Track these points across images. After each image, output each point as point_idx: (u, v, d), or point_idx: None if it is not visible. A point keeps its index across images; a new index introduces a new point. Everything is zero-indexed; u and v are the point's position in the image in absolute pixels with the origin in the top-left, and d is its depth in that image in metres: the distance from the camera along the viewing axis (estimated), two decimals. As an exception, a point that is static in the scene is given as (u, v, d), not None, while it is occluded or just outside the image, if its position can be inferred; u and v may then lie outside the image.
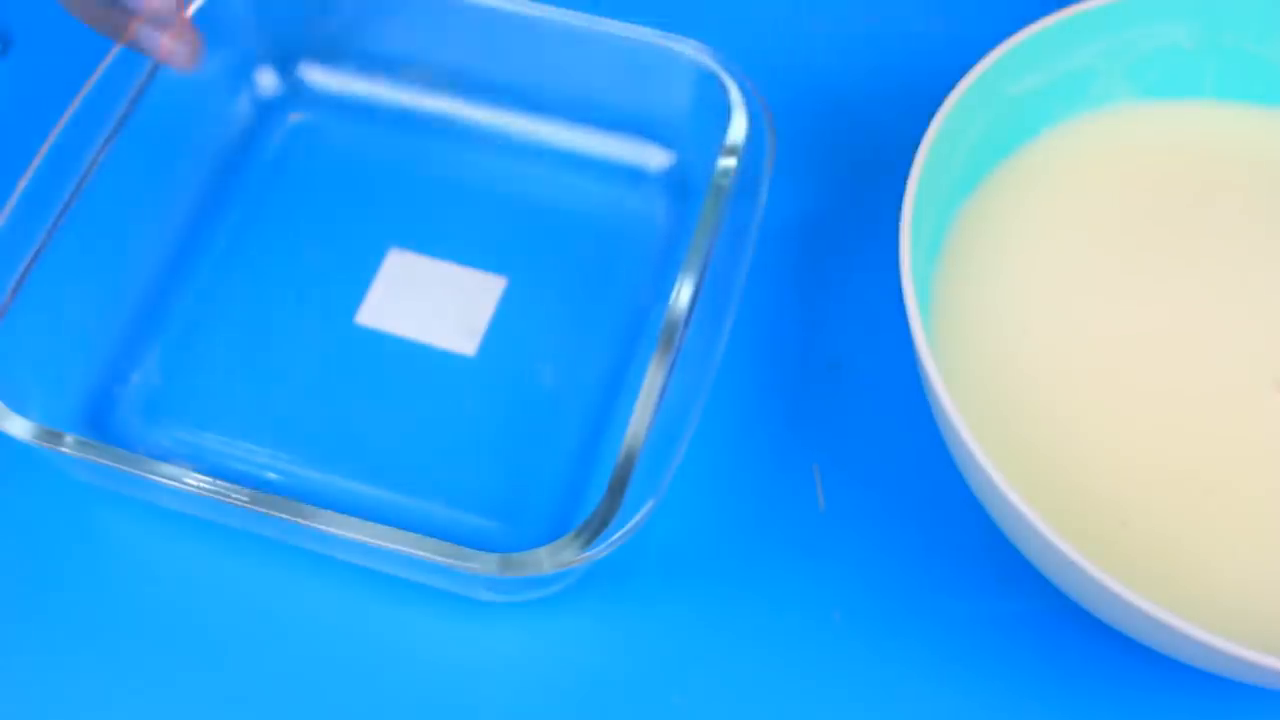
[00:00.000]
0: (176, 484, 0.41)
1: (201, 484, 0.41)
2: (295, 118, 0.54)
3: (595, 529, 0.40)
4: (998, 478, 0.37)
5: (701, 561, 0.46)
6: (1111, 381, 0.44)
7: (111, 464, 0.41)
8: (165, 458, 0.43)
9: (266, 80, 0.54)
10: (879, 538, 0.46)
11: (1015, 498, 0.37)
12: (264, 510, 0.41)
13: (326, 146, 0.54)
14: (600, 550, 0.39)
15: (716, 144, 0.48)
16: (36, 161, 0.46)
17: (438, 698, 0.43)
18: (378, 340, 0.49)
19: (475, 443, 0.47)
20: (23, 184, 0.45)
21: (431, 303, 0.50)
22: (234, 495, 0.41)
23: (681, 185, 0.52)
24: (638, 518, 0.40)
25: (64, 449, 0.42)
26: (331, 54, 0.54)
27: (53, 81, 0.55)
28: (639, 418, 0.42)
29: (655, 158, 0.53)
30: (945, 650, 0.44)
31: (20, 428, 0.42)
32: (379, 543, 0.40)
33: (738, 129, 0.48)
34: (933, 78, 0.47)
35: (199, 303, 0.50)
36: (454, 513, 0.46)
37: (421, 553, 0.40)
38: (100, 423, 0.47)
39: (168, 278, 0.50)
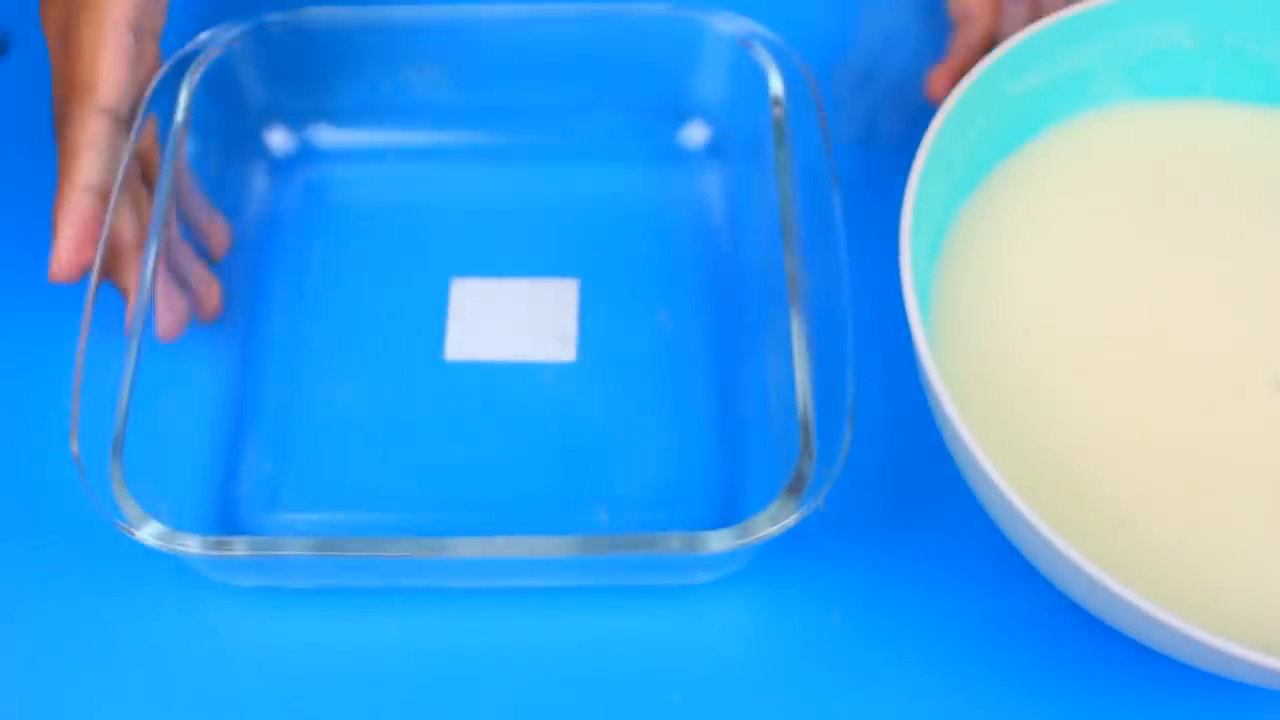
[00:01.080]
0: (347, 554, 0.40)
1: (372, 548, 0.40)
2: (311, 173, 0.53)
3: (797, 489, 0.40)
4: (997, 478, 0.37)
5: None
6: (1112, 381, 0.44)
7: (280, 554, 0.41)
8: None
9: (278, 139, 0.53)
10: (879, 538, 0.46)
11: (1015, 498, 0.37)
12: (457, 555, 0.40)
13: (351, 196, 0.53)
14: (813, 505, 0.40)
15: (750, 106, 0.48)
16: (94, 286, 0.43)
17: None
18: (475, 370, 0.48)
19: (606, 442, 0.47)
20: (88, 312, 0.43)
21: (514, 321, 0.49)
22: (418, 547, 0.40)
23: (723, 153, 0.53)
24: (837, 468, 0.40)
25: (234, 553, 0.40)
26: (341, 101, 0.53)
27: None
28: (801, 377, 0.42)
29: (691, 133, 0.53)
30: (945, 650, 0.44)
31: (194, 543, 0.40)
32: (607, 553, 0.40)
33: (776, 85, 0.48)
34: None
35: (283, 381, 0.48)
36: (613, 514, 0.46)
37: (658, 548, 0.40)
38: (230, 524, 0.46)
39: (241, 363, 0.49)
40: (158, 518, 0.40)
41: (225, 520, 0.46)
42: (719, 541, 0.40)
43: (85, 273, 0.44)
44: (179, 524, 0.41)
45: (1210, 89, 0.49)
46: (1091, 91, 0.49)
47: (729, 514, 0.46)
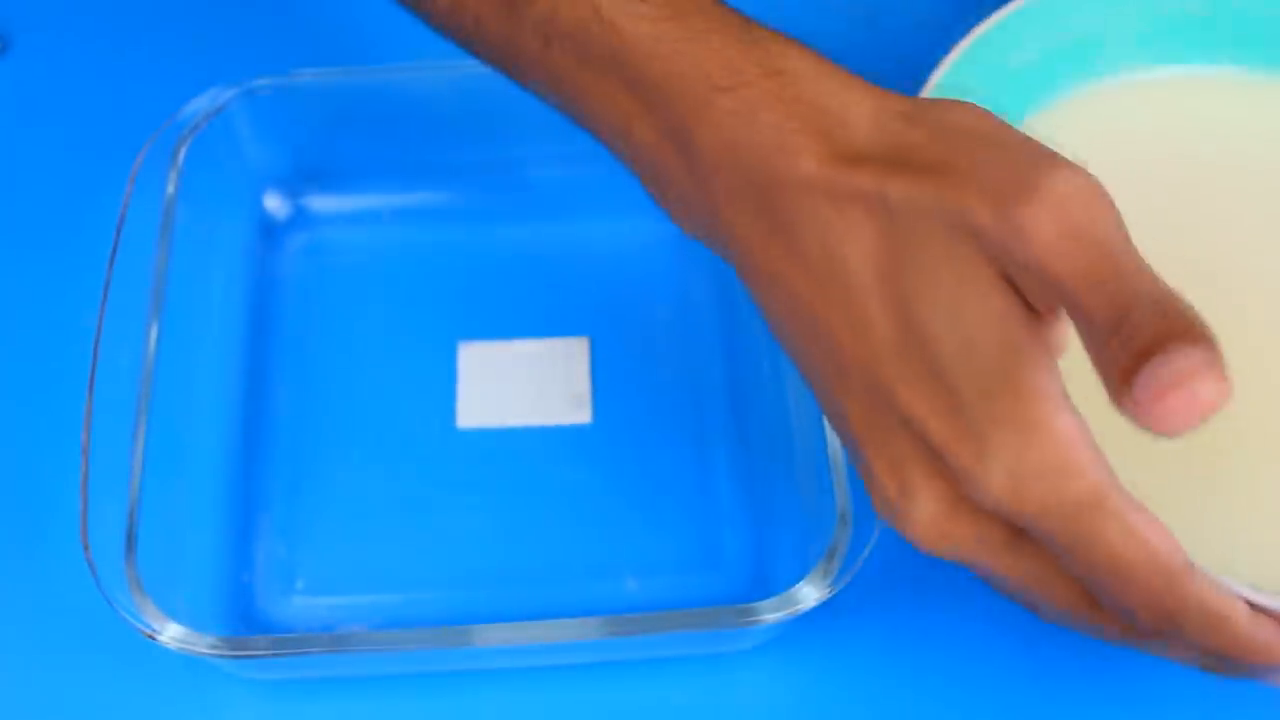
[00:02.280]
0: (370, 650, 0.39)
1: (395, 641, 0.39)
2: (307, 239, 0.52)
3: (835, 556, 0.39)
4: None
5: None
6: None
7: (302, 652, 0.39)
8: (332, 629, 0.42)
9: (272, 205, 0.52)
10: (879, 537, 0.44)
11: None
12: (483, 643, 0.39)
13: (349, 261, 0.51)
14: (856, 566, 0.39)
15: None
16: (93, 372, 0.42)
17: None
18: (489, 438, 0.47)
19: (628, 506, 0.46)
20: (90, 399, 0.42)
21: (525, 384, 0.48)
22: (442, 637, 0.39)
23: None
24: (875, 535, 0.39)
25: (258, 653, 0.39)
26: (335, 162, 0.52)
27: (53, 81, 0.56)
28: (832, 435, 0.40)
29: None
30: (945, 649, 0.43)
31: (214, 644, 0.39)
32: (652, 631, 0.39)
33: None
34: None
35: (291, 459, 0.47)
36: (642, 582, 0.44)
37: (705, 624, 0.39)
38: (246, 612, 0.44)
39: (247, 443, 0.47)
40: (174, 614, 0.39)
41: (241, 608, 0.44)
42: (769, 612, 0.38)
43: None
44: (195, 616, 0.40)
45: (1223, 57, 0.47)
46: (1099, 61, 0.47)
47: (762, 574, 0.44)
